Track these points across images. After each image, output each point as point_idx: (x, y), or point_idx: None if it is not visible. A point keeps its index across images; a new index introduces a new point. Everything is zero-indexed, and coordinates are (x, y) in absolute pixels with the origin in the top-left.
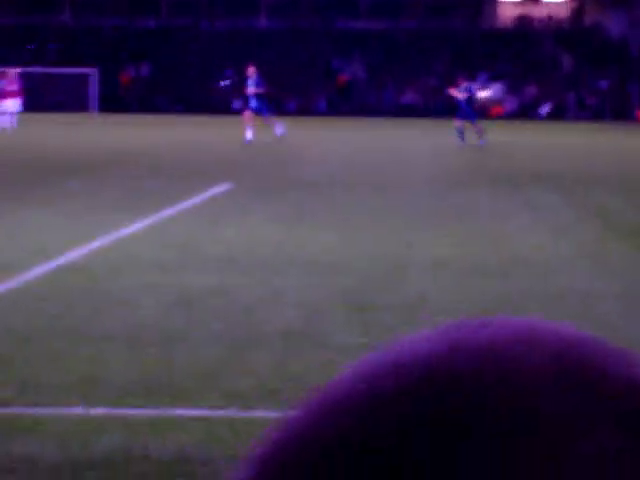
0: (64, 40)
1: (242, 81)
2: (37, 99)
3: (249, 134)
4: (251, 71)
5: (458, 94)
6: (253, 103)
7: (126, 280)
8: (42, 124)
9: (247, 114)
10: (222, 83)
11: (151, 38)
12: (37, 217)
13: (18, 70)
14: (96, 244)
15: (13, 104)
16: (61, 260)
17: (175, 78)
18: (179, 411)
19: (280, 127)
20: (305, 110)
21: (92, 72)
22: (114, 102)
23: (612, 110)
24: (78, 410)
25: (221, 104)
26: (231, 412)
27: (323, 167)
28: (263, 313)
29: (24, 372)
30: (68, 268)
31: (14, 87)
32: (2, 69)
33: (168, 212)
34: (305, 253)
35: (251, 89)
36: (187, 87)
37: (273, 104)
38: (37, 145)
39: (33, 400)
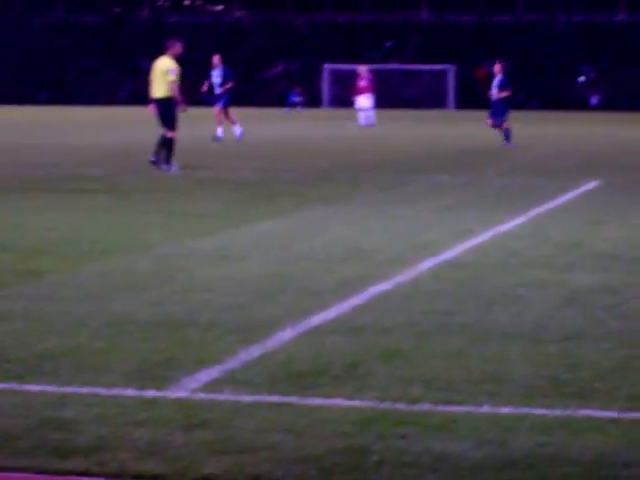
0: (423, 37)
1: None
2: (395, 96)
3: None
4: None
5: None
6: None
7: (512, 277)
8: (400, 120)
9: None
10: (579, 79)
11: (508, 34)
12: (414, 212)
13: (370, 67)
14: (475, 240)
15: (365, 101)
16: (445, 256)
17: (531, 74)
18: (589, 412)
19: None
20: None
21: (449, 68)
22: (470, 98)
23: None
24: (486, 409)
25: (578, 100)
26: None
27: None
28: None
29: (427, 369)
30: (453, 264)
31: (366, 84)
32: (357, 66)
33: (542, 209)
34: None
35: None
36: (543, 83)
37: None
38: (398, 141)
39: (442, 398)
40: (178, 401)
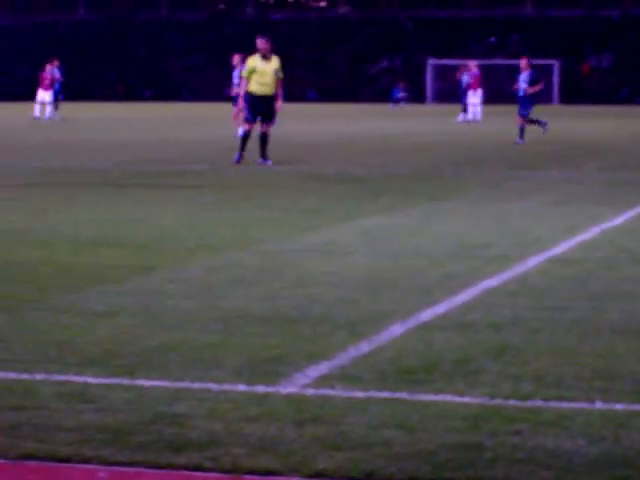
0: (526, 31)
1: None
2: (498, 91)
3: None
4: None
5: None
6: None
7: (621, 273)
8: (504, 116)
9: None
10: None
11: (613, 28)
12: (520, 208)
13: (477, 62)
14: (583, 236)
15: (474, 96)
16: (553, 252)
17: (637, 69)
18: None
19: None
20: None
21: (554, 63)
22: (575, 93)
23: None
24: (599, 405)
25: None
26: None
27: None
28: None
29: (538, 365)
30: (561, 260)
31: (475, 79)
32: (465, 62)
33: None
34: None
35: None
36: None
37: None
38: (503, 137)
39: (554, 394)
40: (289, 397)
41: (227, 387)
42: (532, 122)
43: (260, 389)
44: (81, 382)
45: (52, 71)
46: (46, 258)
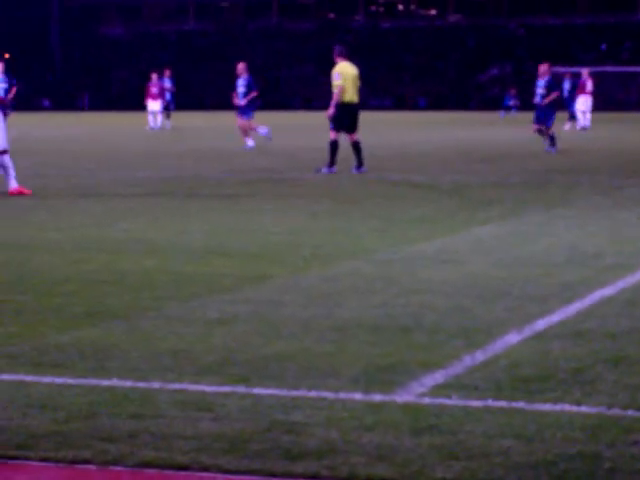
0: (637, 38)
1: None
2: (610, 98)
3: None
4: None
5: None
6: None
7: None
8: (614, 123)
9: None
10: None
11: None
12: (635, 216)
13: (588, 69)
14: None
15: (583, 103)
16: None
17: None
18: None
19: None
20: None
21: None
22: None
23: None
24: None
25: None
26: None
27: None
28: None
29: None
30: None
31: (578, 87)
32: (577, 69)
33: None
34: None
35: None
36: None
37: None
38: (614, 144)
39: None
40: (405, 405)
41: (343, 396)
42: (542, 133)
43: (376, 398)
44: (197, 390)
45: (161, 81)
46: (160, 267)
